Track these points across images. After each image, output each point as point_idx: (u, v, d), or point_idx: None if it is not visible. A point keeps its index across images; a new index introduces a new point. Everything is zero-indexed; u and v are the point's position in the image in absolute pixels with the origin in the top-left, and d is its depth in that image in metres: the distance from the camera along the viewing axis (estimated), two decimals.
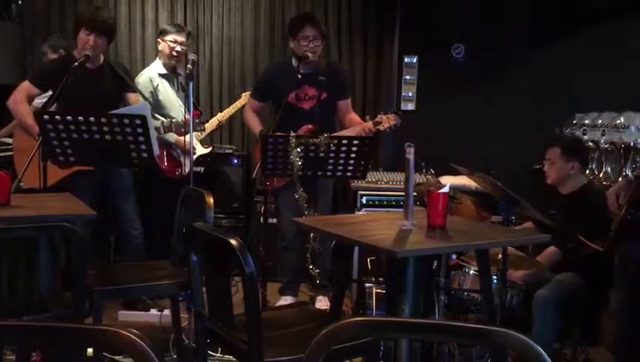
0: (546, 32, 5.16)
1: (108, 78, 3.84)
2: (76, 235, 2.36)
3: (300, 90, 4.01)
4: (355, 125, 4.03)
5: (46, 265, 2.41)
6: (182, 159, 4.34)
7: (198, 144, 4.56)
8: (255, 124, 4.14)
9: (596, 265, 3.04)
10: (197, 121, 4.06)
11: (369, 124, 3.93)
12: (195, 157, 4.26)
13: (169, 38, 4.33)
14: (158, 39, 4.45)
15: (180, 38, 4.33)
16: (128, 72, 4.14)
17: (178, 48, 4.32)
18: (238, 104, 4.58)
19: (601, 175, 4.22)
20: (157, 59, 4.46)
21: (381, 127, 3.91)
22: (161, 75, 4.38)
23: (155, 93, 4.31)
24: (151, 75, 4.34)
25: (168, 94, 4.38)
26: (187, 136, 4.17)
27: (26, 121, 3.64)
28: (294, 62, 3.99)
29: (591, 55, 4.95)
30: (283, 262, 4.16)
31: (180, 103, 4.39)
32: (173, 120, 4.12)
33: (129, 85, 3.94)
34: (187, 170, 4.30)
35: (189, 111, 3.51)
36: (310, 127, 3.94)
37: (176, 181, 4.30)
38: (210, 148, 4.79)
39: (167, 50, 4.34)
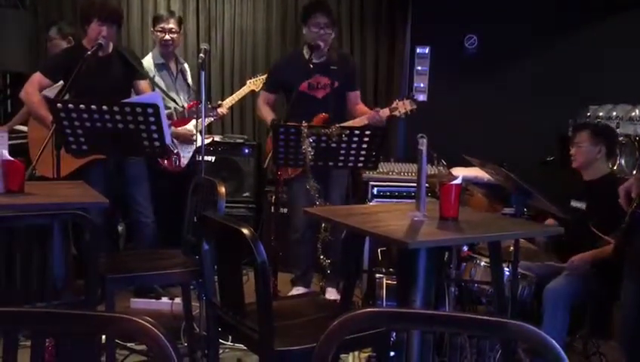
0: (559, 23, 5.11)
1: (118, 65, 3.84)
2: (90, 223, 2.37)
3: (312, 79, 4.02)
4: (368, 113, 4.01)
5: (59, 252, 2.42)
6: (178, 150, 4.23)
7: (198, 134, 4.51)
8: (267, 114, 4.12)
9: (607, 259, 3.02)
10: (209, 106, 4.02)
11: (384, 110, 3.92)
12: (194, 148, 4.18)
13: (157, 27, 4.27)
14: (151, 29, 4.40)
15: (168, 26, 4.25)
16: (137, 58, 4.11)
17: (167, 37, 4.25)
18: (241, 92, 4.43)
19: (615, 167, 4.18)
20: (154, 48, 4.41)
21: (397, 113, 3.90)
22: (158, 65, 4.32)
23: (151, 84, 4.22)
24: (146, 67, 4.25)
25: (165, 84, 4.30)
26: (190, 125, 4.17)
27: (39, 112, 3.65)
28: (306, 51, 4.00)
29: (606, 46, 4.90)
30: (295, 255, 4.16)
31: (179, 92, 4.36)
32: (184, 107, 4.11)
33: (139, 72, 3.92)
34: (185, 161, 4.26)
35: (200, 99, 3.49)
36: (325, 115, 3.94)
37: (174, 173, 4.24)
38: (211, 138, 4.74)
39: (157, 40, 4.30)
